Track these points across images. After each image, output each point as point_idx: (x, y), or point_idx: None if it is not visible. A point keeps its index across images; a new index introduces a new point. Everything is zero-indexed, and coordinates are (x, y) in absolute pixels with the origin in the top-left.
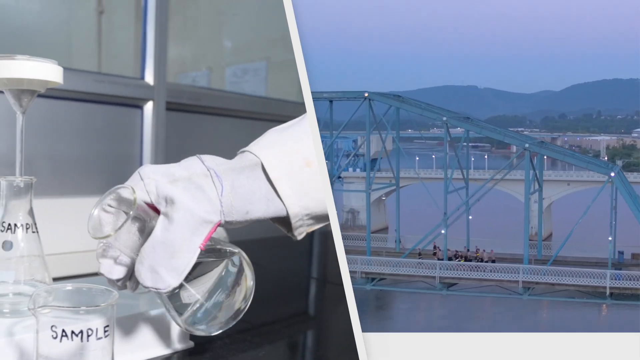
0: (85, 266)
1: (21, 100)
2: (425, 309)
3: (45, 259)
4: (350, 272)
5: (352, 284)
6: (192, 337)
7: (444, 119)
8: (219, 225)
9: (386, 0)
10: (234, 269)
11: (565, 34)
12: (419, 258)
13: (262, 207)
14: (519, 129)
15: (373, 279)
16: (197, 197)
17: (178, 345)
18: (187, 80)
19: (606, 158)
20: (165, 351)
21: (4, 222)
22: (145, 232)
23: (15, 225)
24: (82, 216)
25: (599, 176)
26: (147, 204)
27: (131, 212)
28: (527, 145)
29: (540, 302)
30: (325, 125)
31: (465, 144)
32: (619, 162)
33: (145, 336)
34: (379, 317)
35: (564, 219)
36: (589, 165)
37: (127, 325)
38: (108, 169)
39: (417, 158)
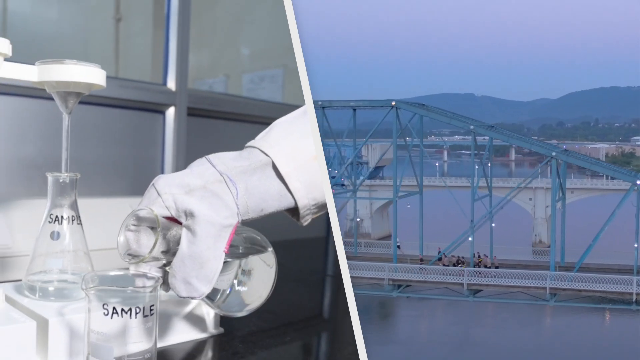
0: (102, 264)
1: (67, 102)
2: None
3: (88, 250)
4: (377, 279)
5: (380, 291)
6: (222, 324)
7: (471, 127)
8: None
9: (384, 13)
10: (255, 257)
11: (563, 43)
12: (421, 264)
13: (275, 203)
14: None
15: (399, 286)
16: (215, 204)
17: (213, 331)
18: (204, 87)
19: None
20: (199, 335)
21: (51, 214)
22: (168, 240)
23: (62, 217)
24: (104, 216)
25: (603, 184)
26: (167, 217)
27: (159, 235)
28: (553, 153)
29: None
30: (345, 134)
31: (489, 152)
32: None
33: (181, 322)
34: (383, 325)
35: (568, 226)
36: (615, 173)
37: (165, 312)
38: (131, 172)
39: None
